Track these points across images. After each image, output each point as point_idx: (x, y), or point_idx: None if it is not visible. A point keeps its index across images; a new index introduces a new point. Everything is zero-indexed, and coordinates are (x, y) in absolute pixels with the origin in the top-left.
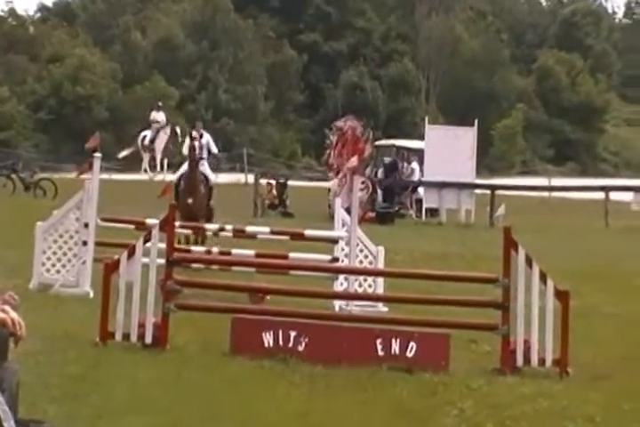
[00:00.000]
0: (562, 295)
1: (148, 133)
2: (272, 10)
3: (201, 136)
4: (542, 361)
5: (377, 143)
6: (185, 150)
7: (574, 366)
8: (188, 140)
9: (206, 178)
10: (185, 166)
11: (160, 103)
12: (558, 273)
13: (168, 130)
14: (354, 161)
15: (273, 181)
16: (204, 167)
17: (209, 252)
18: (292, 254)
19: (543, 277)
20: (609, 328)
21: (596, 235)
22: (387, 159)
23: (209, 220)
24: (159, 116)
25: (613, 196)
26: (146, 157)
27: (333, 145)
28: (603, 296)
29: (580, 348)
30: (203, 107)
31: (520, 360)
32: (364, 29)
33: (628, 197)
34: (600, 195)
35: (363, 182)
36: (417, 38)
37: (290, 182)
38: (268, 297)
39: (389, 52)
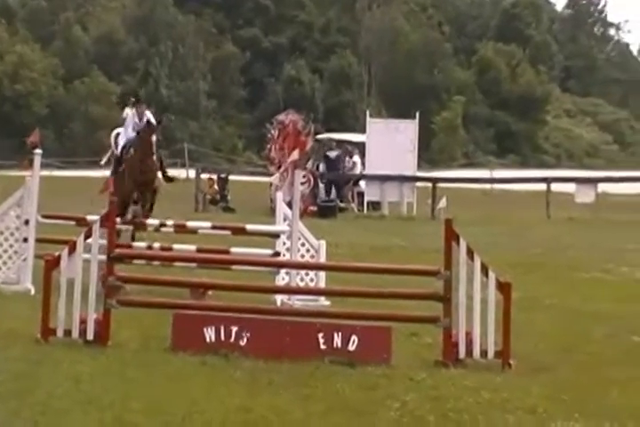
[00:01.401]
0: (503, 287)
1: (121, 131)
2: (212, 5)
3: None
4: (484, 353)
5: (318, 137)
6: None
7: (516, 358)
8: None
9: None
10: (125, 137)
11: (132, 99)
12: (500, 265)
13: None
14: (295, 155)
15: (214, 176)
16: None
17: (150, 247)
18: (233, 249)
19: (485, 269)
20: (550, 320)
21: (537, 226)
22: (332, 153)
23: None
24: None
25: (555, 187)
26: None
27: (275, 139)
28: (544, 288)
29: (522, 340)
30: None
31: (462, 352)
32: (304, 22)
33: (569, 188)
34: (542, 186)
35: (304, 176)
36: (358, 31)
37: (231, 177)
38: (210, 292)
39: (330, 46)
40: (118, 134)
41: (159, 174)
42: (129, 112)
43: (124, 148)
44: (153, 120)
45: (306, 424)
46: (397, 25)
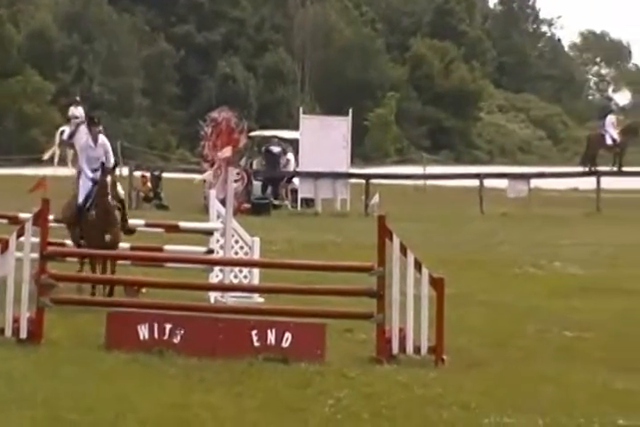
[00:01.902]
0: (437, 283)
1: (66, 128)
2: (145, 2)
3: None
4: (418, 349)
5: (251, 134)
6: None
7: (449, 354)
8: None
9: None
10: (88, 181)
11: (78, 98)
12: (433, 261)
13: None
14: (227, 151)
15: (147, 174)
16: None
17: None
18: (167, 247)
19: (418, 266)
20: (483, 316)
21: (471, 222)
22: (275, 148)
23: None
24: (78, 111)
25: (488, 183)
26: (61, 151)
27: (208, 136)
28: (477, 284)
29: (455, 335)
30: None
31: (395, 348)
32: (238, 19)
33: (502, 183)
34: (475, 182)
35: (238, 173)
36: (291, 28)
37: (164, 174)
38: (144, 290)
39: (264, 42)
40: (63, 131)
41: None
42: (74, 112)
43: (85, 201)
44: (109, 151)
45: (239, 421)
46: (330, 22)
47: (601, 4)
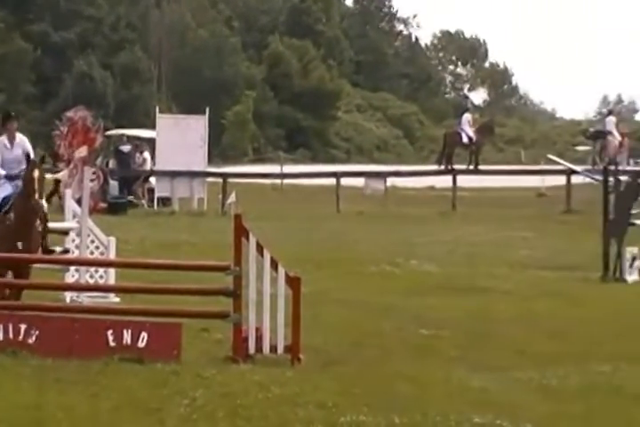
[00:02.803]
0: (293, 282)
1: None
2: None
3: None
4: (274, 348)
5: (108, 133)
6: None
7: (306, 353)
8: None
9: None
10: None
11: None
12: (290, 260)
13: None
14: (83, 151)
15: None
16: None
17: None
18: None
19: (274, 264)
20: (340, 314)
21: (328, 221)
22: (125, 147)
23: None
24: None
25: (345, 181)
26: None
27: (64, 136)
28: (334, 282)
29: (312, 334)
30: None
31: (252, 348)
32: (94, 18)
33: (359, 182)
34: (332, 181)
35: (94, 173)
36: (147, 27)
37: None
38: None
39: (119, 41)
40: None
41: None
42: None
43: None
44: (29, 148)
45: (94, 421)
46: (186, 21)
47: (457, 2)
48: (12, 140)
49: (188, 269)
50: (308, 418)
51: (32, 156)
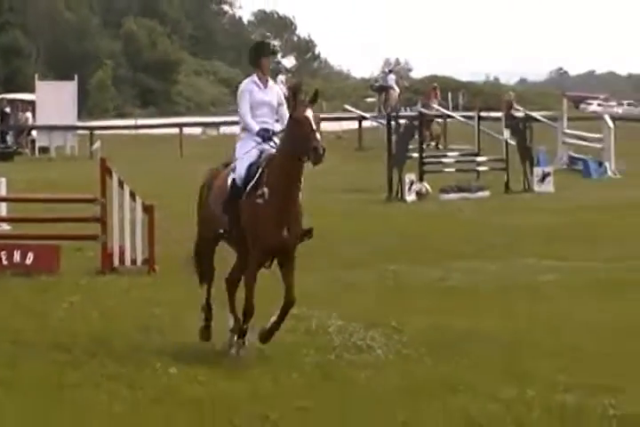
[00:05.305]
0: (148, 209)
1: None
2: None
3: None
4: (134, 261)
5: None
6: None
7: (160, 264)
8: None
9: None
10: None
11: None
12: (145, 192)
13: None
14: None
15: None
16: None
17: None
18: None
19: (133, 196)
20: (182, 231)
21: (173, 163)
22: (7, 109)
23: None
24: None
25: (186, 130)
26: None
27: None
28: (180, 207)
29: (163, 249)
30: None
31: (116, 262)
32: None
33: (197, 130)
34: (176, 130)
35: None
36: (26, 11)
37: None
38: None
39: (2, 24)
40: None
41: None
42: None
43: None
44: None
45: None
46: (59, 6)
47: None
48: (265, 81)
49: (64, 201)
50: (162, 315)
51: None
